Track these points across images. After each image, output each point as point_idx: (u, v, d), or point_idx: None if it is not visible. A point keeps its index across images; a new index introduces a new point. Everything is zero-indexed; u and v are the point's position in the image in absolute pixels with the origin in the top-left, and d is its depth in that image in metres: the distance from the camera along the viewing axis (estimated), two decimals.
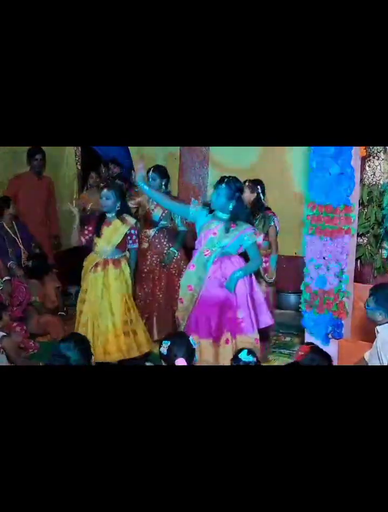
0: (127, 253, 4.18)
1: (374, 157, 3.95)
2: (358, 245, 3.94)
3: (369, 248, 4.07)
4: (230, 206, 3.39)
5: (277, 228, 4.19)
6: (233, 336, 3.42)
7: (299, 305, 3.70)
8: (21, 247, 4.95)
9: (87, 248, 4.32)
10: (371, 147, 3.87)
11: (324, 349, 3.48)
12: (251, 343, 3.38)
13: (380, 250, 4.04)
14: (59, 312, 5.12)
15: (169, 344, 2.54)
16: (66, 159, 6.45)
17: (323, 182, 3.43)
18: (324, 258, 3.50)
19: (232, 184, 3.39)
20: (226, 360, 3.24)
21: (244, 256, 3.53)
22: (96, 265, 4.06)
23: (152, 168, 4.65)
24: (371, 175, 3.98)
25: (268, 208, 4.25)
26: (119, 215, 4.06)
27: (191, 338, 2.66)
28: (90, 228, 4.13)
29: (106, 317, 3.97)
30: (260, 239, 3.95)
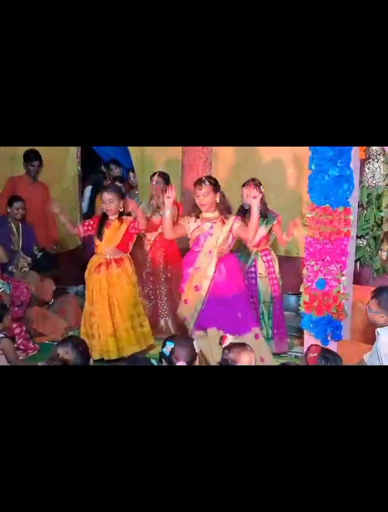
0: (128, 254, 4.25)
1: (373, 159, 3.94)
2: (357, 247, 3.94)
3: (368, 249, 4.07)
4: (217, 200, 3.65)
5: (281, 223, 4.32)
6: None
7: (299, 307, 3.71)
8: (20, 250, 4.98)
9: (87, 249, 4.37)
10: (370, 149, 3.87)
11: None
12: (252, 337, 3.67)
13: (379, 251, 4.05)
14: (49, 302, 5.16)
15: (173, 345, 2.49)
16: (67, 161, 6.46)
17: (322, 184, 3.44)
18: (323, 260, 3.51)
19: (211, 180, 3.67)
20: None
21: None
22: (99, 265, 4.14)
23: (157, 173, 4.79)
24: (370, 177, 3.97)
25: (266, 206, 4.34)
26: (120, 216, 4.13)
27: (194, 342, 2.64)
28: (92, 224, 4.19)
29: (115, 314, 4.09)
30: (264, 230, 4.22)
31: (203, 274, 3.67)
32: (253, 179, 4.25)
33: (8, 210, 4.95)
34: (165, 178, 4.79)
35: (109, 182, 5.80)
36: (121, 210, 4.12)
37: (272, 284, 4.30)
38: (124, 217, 4.15)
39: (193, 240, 3.75)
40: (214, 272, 3.65)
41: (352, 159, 3.40)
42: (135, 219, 4.13)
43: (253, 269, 4.28)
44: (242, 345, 2.66)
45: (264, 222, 4.22)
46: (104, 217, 4.16)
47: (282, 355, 4.32)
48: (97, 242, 4.16)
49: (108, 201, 4.07)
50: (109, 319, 4.10)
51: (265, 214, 4.21)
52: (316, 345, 2.72)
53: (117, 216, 4.12)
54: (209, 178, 3.74)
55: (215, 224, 3.66)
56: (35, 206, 5.30)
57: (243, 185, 4.21)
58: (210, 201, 3.65)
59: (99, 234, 4.12)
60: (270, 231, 4.30)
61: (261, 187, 4.22)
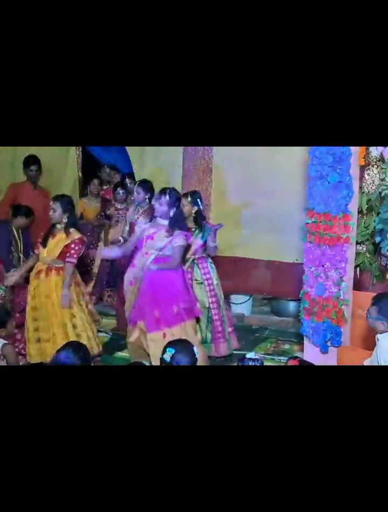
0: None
1: (373, 166, 3.96)
2: (357, 253, 3.95)
3: (368, 255, 4.07)
4: (171, 213, 3.85)
5: (216, 235, 4.52)
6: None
7: (299, 313, 3.72)
8: (22, 254, 5.00)
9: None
10: (369, 156, 3.89)
11: (323, 356, 3.53)
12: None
13: (379, 258, 4.05)
14: None
15: (173, 352, 2.51)
16: (67, 165, 6.48)
17: (321, 190, 3.45)
18: (323, 266, 3.52)
19: (173, 194, 3.85)
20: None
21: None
22: (39, 272, 4.19)
23: (137, 183, 4.86)
24: (370, 183, 3.99)
25: (204, 218, 4.58)
26: (66, 228, 4.16)
27: (194, 347, 2.64)
28: (42, 235, 4.26)
29: (50, 322, 4.12)
30: (200, 240, 4.45)
31: (138, 271, 3.94)
32: (194, 192, 4.56)
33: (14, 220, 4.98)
34: (145, 187, 4.78)
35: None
36: (66, 221, 4.15)
37: (208, 290, 4.47)
38: (71, 231, 4.17)
39: (140, 239, 3.98)
40: (148, 275, 3.85)
41: (351, 165, 3.41)
42: (79, 241, 4.14)
43: (188, 275, 4.39)
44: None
45: (200, 233, 4.45)
46: (53, 226, 4.23)
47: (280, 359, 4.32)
48: (40, 249, 4.21)
49: (52, 209, 4.15)
50: (44, 325, 4.15)
51: (201, 226, 4.46)
52: (295, 358, 2.75)
53: (63, 227, 4.16)
54: (172, 191, 3.87)
55: (160, 232, 3.86)
56: (37, 211, 5.34)
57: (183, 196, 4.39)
58: (164, 211, 3.84)
59: (44, 242, 4.19)
60: (205, 241, 4.48)
61: (199, 200, 4.45)
